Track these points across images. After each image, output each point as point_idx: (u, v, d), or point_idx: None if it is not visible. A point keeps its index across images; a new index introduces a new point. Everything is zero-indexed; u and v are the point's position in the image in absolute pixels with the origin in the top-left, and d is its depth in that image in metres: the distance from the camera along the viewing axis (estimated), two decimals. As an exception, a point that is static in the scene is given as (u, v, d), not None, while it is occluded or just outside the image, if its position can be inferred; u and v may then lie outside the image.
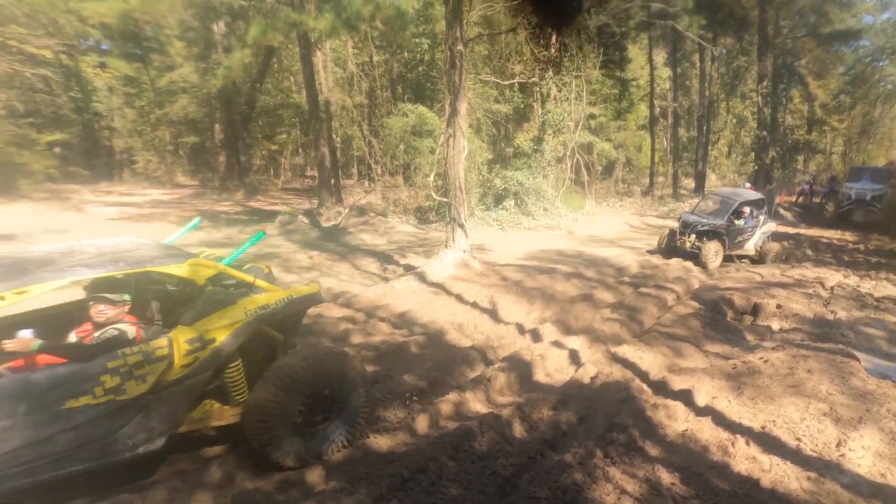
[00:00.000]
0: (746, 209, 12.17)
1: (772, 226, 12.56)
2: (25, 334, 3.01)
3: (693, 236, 11.85)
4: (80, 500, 3.29)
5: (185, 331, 3.32)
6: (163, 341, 3.23)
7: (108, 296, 3.37)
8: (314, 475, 3.55)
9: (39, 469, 2.85)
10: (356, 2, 9.95)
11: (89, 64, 24.51)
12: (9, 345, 2.92)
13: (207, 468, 3.55)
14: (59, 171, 22.13)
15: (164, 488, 3.30)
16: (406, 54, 22.04)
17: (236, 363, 3.64)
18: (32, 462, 2.83)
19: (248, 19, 16.68)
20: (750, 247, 12.09)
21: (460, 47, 9.36)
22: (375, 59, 22.60)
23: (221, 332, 3.40)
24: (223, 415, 3.62)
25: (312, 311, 7.45)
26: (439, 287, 8.62)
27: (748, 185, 16.64)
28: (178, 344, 3.26)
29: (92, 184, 23.71)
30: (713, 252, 11.29)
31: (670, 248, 12.38)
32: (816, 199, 21.93)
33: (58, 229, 13.97)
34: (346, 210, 16.82)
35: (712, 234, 11.65)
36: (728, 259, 11.95)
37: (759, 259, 12.14)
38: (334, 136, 21.43)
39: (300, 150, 30.36)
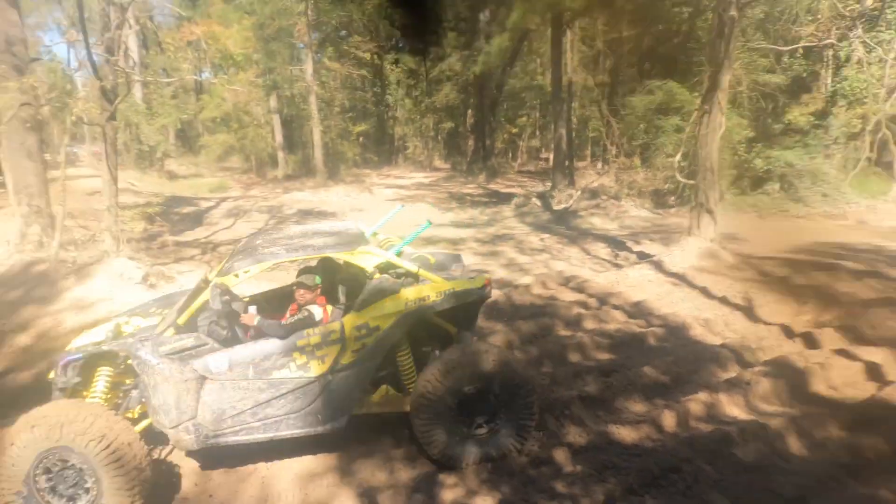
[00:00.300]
0: None
1: None
2: (252, 310, 3.73)
3: None
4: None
5: (354, 317, 3.51)
6: (336, 325, 3.50)
7: (304, 280, 3.81)
8: (560, 455, 3.60)
9: (268, 427, 3.48)
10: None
11: (388, 62, 29.48)
12: (244, 318, 3.69)
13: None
14: (361, 158, 27.40)
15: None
16: (660, 27, 20.33)
17: (405, 351, 3.73)
18: (263, 420, 3.47)
19: (510, 4, 17.63)
20: None
21: (733, 12, 8.21)
22: (625, 33, 21.47)
23: (385, 321, 3.50)
24: (400, 402, 3.73)
25: (544, 292, 7.71)
26: (679, 278, 7.93)
27: None
28: (348, 329, 3.47)
29: (378, 168, 28.69)
30: None
31: None
32: None
33: (357, 208, 17.34)
34: (578, 192, 16.62)
35: None
36: None
37: None
38: (572, 116, 21.29)
39: (537, 133, 31.09)
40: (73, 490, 3.19)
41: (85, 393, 3.59)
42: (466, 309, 3.87)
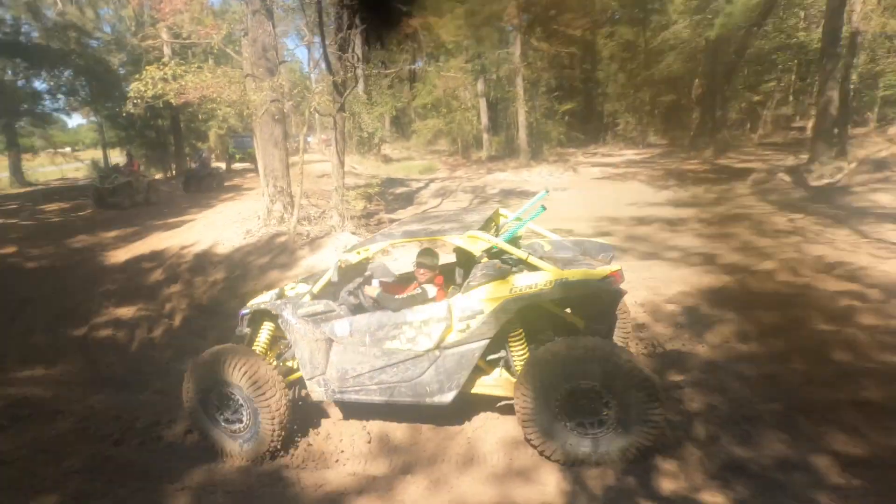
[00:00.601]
0: None
1: None
2: (375, 283, 4.18)
3: None
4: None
5: (460, 298, 3.56)
6: (443, 304, 3.59)
7: (423, 260, 4.01)
8: (823, 463, 3.19)
9: (383, 392, 3.75)
10: None
11: (602, 35, 27.79)
12: (367, 290, 4.04)
13: (692, 424, 3.67)
14: (566, 136, 26.60)
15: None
16: None
17: (517, 336, 3.66)
18: (378, 385, 3.74)
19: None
20: None
21: None
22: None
23: (489, 304, 3.47)
24: (511, 386, 3.65)
25: (795, 279, 6.47)
26: None
27: None
28: (454, 309, 3.54)
29: (584, 147, 27.36)
30: None
31: None
32: None
33: (561, 187, 16.76)
34: (854, 165, 12.67)
35: None
36: None
37: None
38: (851, 74, 16.39)
39: (790, 98, 25.33)
40: (235, 416, 3.91)
41: (255, 342, 4.25)
42: (595, 301, 3.83)
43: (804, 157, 14.93)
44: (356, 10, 9.53)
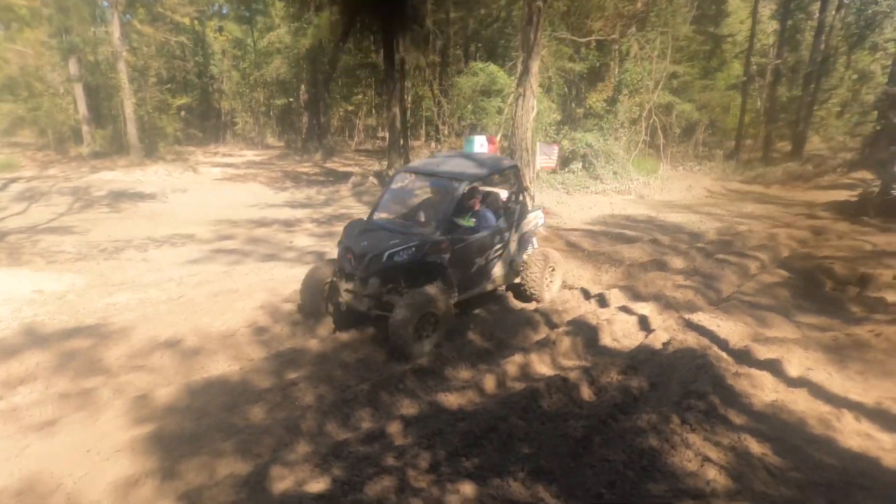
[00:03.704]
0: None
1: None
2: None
3: None
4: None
5: None
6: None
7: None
8: (394, 428, 3.63)
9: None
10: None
11: (211, 28, 26.32)
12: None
13: (304, 419, 3.83)
14: (184, 134, 24.40)
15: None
16: (483, 11, 21.61)
17: None
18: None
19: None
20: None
21: (539, 2, 9.18)
22: (452, 15, 22.34)
23: None
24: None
25: None
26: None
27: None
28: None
29: (204, 145, 25.82)
30: None
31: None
32: None
33: (180, 188, 15.72)
34: (414, 171, 17.01)
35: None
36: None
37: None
38: (406, 96, 21.64)
39: (373, 111, 30.89)
40: None
41: None
42: None
43: (385, 163, 18.86)
44: None
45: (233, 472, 3.24)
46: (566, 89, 18.01)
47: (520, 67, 9.78)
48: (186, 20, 24.89)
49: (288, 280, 6.74)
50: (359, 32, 26.03)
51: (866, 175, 17.39)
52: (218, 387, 4.20)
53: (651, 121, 17.34)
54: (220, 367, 4.68)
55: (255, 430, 3.65)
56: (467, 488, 2.98)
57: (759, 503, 2.91)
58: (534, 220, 6.43)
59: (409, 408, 4.03)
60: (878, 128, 20.73)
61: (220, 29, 26.65)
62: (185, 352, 4.74)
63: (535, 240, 6.58)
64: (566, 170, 16.33)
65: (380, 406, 4.04)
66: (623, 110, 17.39)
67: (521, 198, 6.20)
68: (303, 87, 25.93)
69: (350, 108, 29.22)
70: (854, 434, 3.68)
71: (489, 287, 5.90)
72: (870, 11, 25.87)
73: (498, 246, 5.82)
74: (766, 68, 26.32)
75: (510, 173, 6.25)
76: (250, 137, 28.15)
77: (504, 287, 6.33)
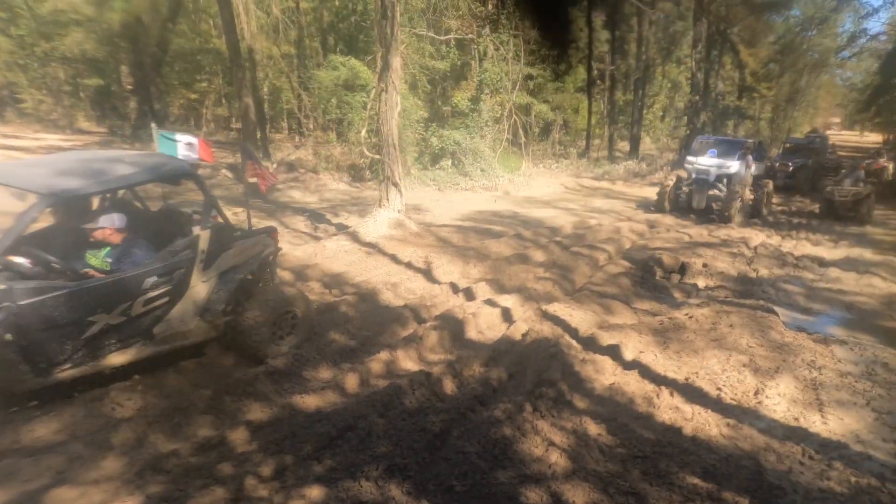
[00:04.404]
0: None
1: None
2: None
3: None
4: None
5: None
6: None
7: None
8: (238, 435, 3.41)
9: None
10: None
11: None
12: None
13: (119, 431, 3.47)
14: None
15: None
16: (337, 2, 20.68)
17: None
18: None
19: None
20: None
21: (392, -3, 8.79)
22: (303, 5, 21.06)
23: None
24: None
25: None
26: (373, 247, 8.43)
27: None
28: None
29: None
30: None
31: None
32: None
33: None
34: (275, 166, 15.90)
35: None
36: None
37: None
38: (260, 86, 19.95)
39: (223, 101, 28.12)
40: None
41: None
42: None
43: (240, 155, 17.34)
44: None
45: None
46: (431, 87, 18.01)
47: (380, 63, 9.33)
48: None
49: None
50: (193, 14, 23.35)
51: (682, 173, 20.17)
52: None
53: (512, 120, 18.12)
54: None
55: (33, 451, 3.19)
56: (315, 492, 2.85)
57: (590, 480, 3.08)
58: (253, 248, 4.58)
59: (258, 412, 3.77)
60: (688, 132, 24.29)
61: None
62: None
63: (276, 272, 5.17)
64: (437, 167, 16.38)
65: (223, 413, 3.76)
66: (486, 109, 17.93)
67: (213, 218, 4.28)
68: (124, 68, 22.46)
69: (193, 96, 26.14)
70: (668, 408, 4.02)
71: (148, 351, 3.93)
72: (671, 30, 30.41)
73: (157, 292, 3.85)
74: (605, 73, 29.30)
75: (186, 181, 4.20)
76: (50, 119, 23.51)
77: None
